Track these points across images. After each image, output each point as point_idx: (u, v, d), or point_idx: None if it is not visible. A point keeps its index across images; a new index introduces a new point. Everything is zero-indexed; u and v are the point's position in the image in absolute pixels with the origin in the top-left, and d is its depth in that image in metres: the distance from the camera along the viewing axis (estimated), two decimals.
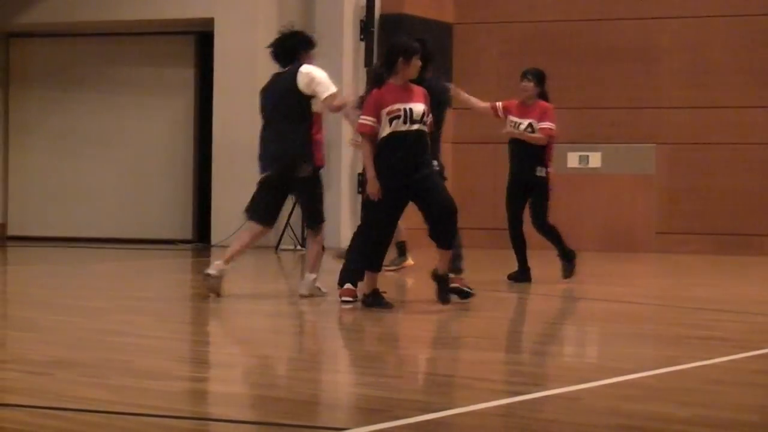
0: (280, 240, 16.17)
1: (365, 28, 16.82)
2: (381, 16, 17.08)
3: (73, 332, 7.36)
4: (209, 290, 8.96)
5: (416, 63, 8.57)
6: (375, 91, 8.62)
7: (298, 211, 16.13)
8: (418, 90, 8.62)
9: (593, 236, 17.12)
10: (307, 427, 4.58)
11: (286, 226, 16.07)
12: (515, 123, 10.80)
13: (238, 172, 16.18)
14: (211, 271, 9.00)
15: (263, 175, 9.27)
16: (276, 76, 9.45)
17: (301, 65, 9.25)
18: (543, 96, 10.90)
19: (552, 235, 10.82)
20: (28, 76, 18.70)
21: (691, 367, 6.09)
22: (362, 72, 16.80)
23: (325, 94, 9.05)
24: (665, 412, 4.91)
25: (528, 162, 10.72)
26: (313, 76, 9.18)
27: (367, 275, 8.61)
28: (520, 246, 10.81)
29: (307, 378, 5.91)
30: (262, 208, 9.26)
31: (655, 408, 5.04)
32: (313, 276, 9.25)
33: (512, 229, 10.85)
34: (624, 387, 5.50)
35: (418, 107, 8.50)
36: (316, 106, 9.16)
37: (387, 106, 8.47)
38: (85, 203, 17.78)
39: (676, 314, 9.01)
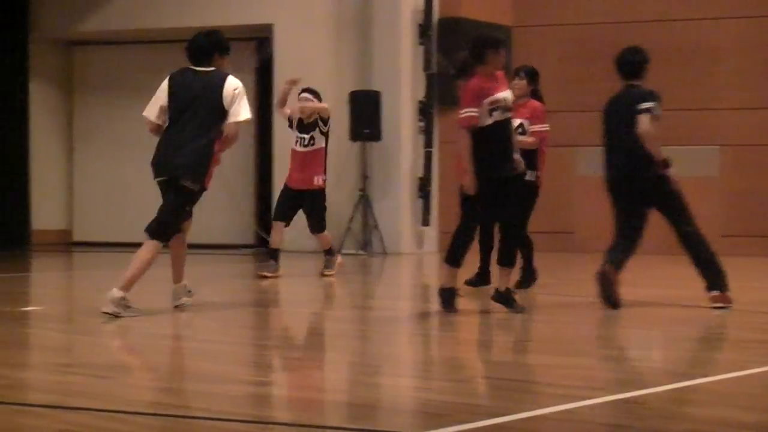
0: (341, 244, 16.19)
1: (423, 32, 16.81)
2: (439, 19, 17.07)
3: (137, 337, 7.41)
4: None
5: (503, 54, 8.58)
6: (474, 81, 8.55)
7: (358, 216, 16.20)
8: (503, 77, 8.66)
9: (657, 239, 16.95)
10: (368, 431, 4.58)
11: (347, 231, 16.10)
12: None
13: None
14: None
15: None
16: (191, 73, 8.80)
17: (226, 73, 8.79)
18: (535, 95, 10.61)
19: (526, 246, 10.39)
20: (91, 83, 18.90)
21: (757, 372, 6.02)
22: (421, 75, 16.80)
23: (243, 118, 8.52)
24: (730, 417, 4.86)
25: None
26: (241, 93, 8.65)
27: (446, 270, 8.58)
28: (487, 250, 10.26)
29: (369, 382, 5.90)
30: None
31: (720, 413, 4.99)
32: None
33: (485, 231, 10.17)
34: (689, 392, 5.45)
35: (509, 95, 8.58)
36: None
37: (489, 96, 8.46)
38: (149, 209, 17.77)
39: (742, 318, 8.91)
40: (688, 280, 10.85)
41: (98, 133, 18.72)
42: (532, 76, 10.61)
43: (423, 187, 16.64)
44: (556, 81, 17.44)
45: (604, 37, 17.34)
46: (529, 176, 10.11)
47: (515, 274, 9.35)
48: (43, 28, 18.49)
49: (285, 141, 17.07)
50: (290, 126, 12.12)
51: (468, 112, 8.47)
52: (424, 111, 16.77)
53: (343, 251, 16.09)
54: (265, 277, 11.47)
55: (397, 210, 16.62)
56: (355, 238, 16.21)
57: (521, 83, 10.42)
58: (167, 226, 8.57)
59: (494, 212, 8.62)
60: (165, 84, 8.54)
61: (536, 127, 10.42)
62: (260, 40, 17.79)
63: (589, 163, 16.87)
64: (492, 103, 8.48)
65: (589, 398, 5.17)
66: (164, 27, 17.71)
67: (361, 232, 16.21)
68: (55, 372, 6.05)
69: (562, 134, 17.46)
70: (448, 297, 8.54)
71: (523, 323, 8.59)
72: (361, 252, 16.06)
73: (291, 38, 16.90)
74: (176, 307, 8.55)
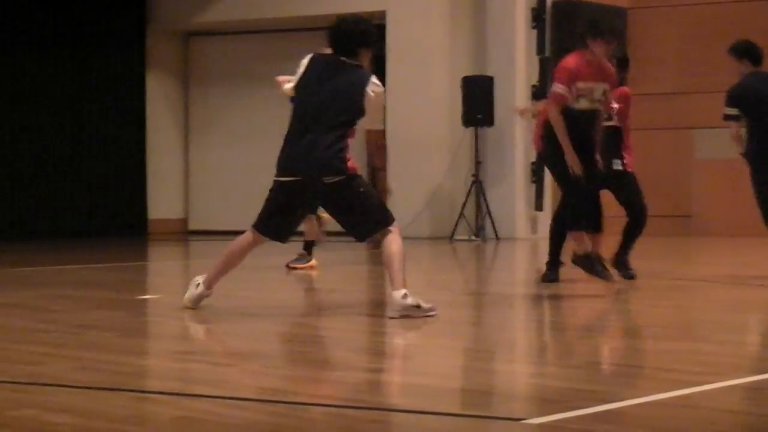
0: (454, 230, 16.20)
1: (537, 16, 16.69)
2: (553, 2, 16.93)
3: (255, 324, 7.50)
4: None
5: (605, 43, 8.52)
6: (570, 59, 8.52)
7: (471, 202, 16.17)
8: (608, 69, 8.58)
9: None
10: (484, 417, 4.58)
11: (460, 216, 16.09)
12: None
13: (414, 165, 16.27)
14: None
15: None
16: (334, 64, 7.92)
17: (369, 73, 7.81)
18: (623, 83, 9.80)
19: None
20: (208, 74, 19.15)
21: None
22: (535, 60, 16.69)
23: (380, 127, 8.25)
24: None
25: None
26: (382, 101, 8.10)
27: (575, 237, 8.54)
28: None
29: (483, 368, 5.90)
30: None
31: None
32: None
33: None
34: None
35: (602, 88, 8.53)
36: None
37: (578, 79, 8.42)
38: (262, 197, 18.07)
39: None
40: None
41: (214, 124, 18.97)
42: (622, 63, 9.96)
43: (536, 172, 16.54)
44: (674, 63, 17.22)
45: (723, 18, 17.04)
46: (615, 165, 9.64)
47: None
48: (159, 20, 18.79)
49: (398, 128, 17.18)
50: None
51: (558, 88, 8.40)
52: (537, 95, 16.66)
53: (456, 237, 16.09)
54: (295, 269, 11.02)
55: (511, 195, 16.56)
56: (468, 224, 16.19)
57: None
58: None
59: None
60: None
61: (616, 105, 9.50)
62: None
63: (707, 146, 16.57)
64: (579, 88, 8.38)
65: (707, 383, 5.10)
66: (280, 16, 17.86)
67: (474, 217, 16.19)
68: (175, 359, 6.15)
69: (680, 117, 17.17)
70: (586, 262, 8.47)
71: (636, 308, 8.50)
72: (474, 238, 16.04)
73: (404, 24, 16.91)
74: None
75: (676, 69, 16.97)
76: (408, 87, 16.37)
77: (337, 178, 7.54)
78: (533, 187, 16.66)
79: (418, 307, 7.45)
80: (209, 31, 19.02)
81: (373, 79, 7.76)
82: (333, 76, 7.79)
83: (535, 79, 16.65)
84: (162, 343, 7.03)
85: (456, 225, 16.14)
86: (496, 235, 16.18)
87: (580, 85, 8.38)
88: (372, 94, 7.70)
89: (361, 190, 7.65)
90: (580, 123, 8.43)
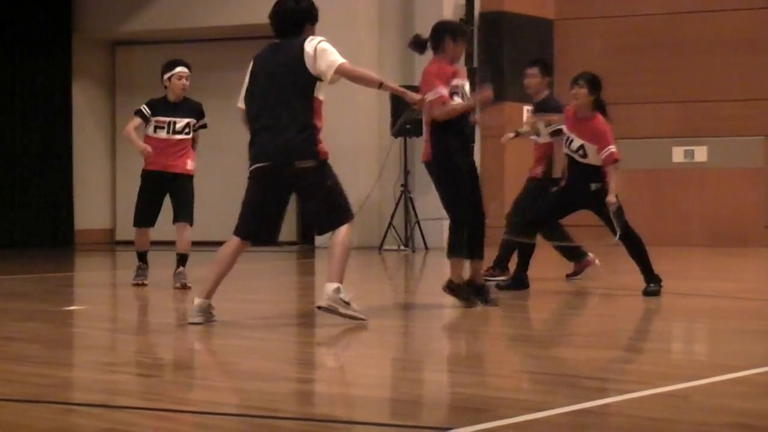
0: (383, 240, 16.22)
1: (465, 26, 16.77)
2: (480, 13, 17.04)
3: (181, 335, 7.46)
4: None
5: (462, 44, 8.57)
6: (435, 64, 8.57)
7: (400, 211, 16.21)
8: (461, 70, 8.67)
9: (701, 231, 16.90)
10: (411, 427, 4.59)
11: (389, 226, 16.12)
12: (568, 138, 9.51)
13: (342, 175, 16.24)
14: None
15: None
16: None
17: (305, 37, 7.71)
18: (599, 105, 9.45)
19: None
20: (134, 83, 19.02)
21: None
22: (462, 70, 16.75)
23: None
24: None
25: (582, 176, 9.48)
26: (330, 50, 7.75)
27: (453, 264, 8.56)
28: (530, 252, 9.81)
29: (411, 378, 5.91)
30: None
31: (766, 406, 4.96)
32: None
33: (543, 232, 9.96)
34: (734, 384, 5.42)
35: (467, 84, 8.58)
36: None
37: (452, 79, 8.47)
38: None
39: None
40: (733, 273, 10.79)
41: (141, 133, 18.83)
42: (593, 84, 9.45)
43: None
44: (599, 74, 17.37)
45: (647, 30, 17.26)
46: (594, 187, 9.37)
47: None
48: (85, 29, 18.64)
49: (326, 139, 17.15)
50: None
51: (438, 92, 8.40)
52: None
53: (385, 247, 16.11)
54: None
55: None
56: (397, 234, 16.21)
57: (581, 92, 9.41)
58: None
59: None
60: None
61: (605, 153, 9.25)
62: None
63: (629, 157, 16.80)
64: (454, 87, 8.43)
65: (630, 392, 5.16)
66: (207, 26, 17.81)
67: (403, 227, 16.22)
68: (101, 371, 6.10)
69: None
70: (460, 292, 8.51)
71: (564, 317, 8.57)
72: (403, 248, 16.07)
73: (331, 33, 16.78)
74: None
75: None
76: (336, 96, 16.23)
77: (308, 164, 7.47)
78: None
79: (347, 303, 7.45)
80: (136, 40, 18.90)
81: (310, 37, 7.60)
82: (273, 58, 7.64)
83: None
84: (88, 354, 6.96)
85: (385, 235, 16.17)
86: (425, 245, 16.23)
87: (453, 83, 8.48)
88: (310, 49, 7.52)
89: (329, 183, 7.60)
90: (461, 122, 8.53)
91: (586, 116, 9.43)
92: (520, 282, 9.69)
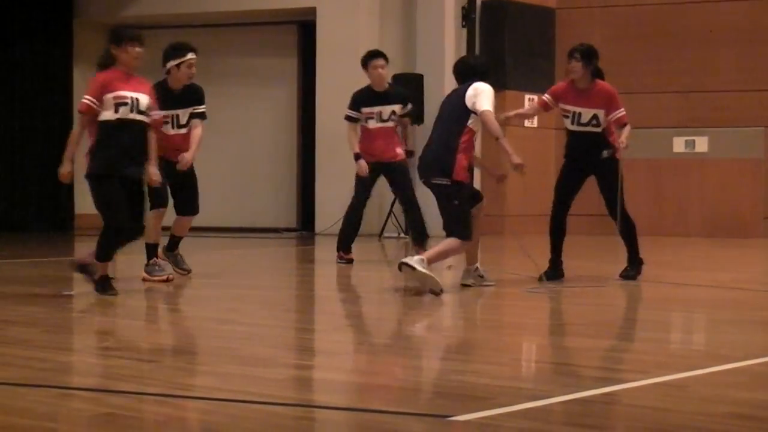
0: (383, 227, 16.21)
1: (467, 15, 16.76)
2: (483, 2, 17.02)
3: (181, 320, 7.46)
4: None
5: (135, 52, 8.62)
6: (103, 75, 8.54)
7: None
8: (142, 81, 8.58)
9: (700, 221, 16.90)
10: (411, 414, 4.59)
11: (389, 214, 16.11)
12: (574, 113, 9.58)
13: (339, 162, 16.26)
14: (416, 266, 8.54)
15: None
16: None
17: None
18: (599, 74, 9.64)
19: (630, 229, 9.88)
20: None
21: None
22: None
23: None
24: None
25: (591, 147, 9.60)
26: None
27: (99, 265, 8.45)
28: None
29: (410, 365, 5.91)
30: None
31: (764, 396, 4.96)
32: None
33: (556, 216, 9.98)
34: (732, 374, 5.42)
35: (145, 98, 8.49)
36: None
37: (114, 90, 8.41)
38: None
39: None
40: (732, 263, 10.79)
41: None
42: (588, 55, 9.58)
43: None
44: (601, 62, 17.36)
45: (648, 19, 17.24)
46: (606, 154, 9.54)
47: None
48: (86, 13, 18.62)
49: (327, 125, 17.14)
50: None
51: (86, 99, 8.49)
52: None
53: (385, 234, 16.11)
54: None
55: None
56: (397, 221, 16.21)
57: (577, 65, 9.56)
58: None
59: None
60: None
61: (617, 114, 9.49)
62: (303, 24, 17.80)
63: (631, 146, 16.84)
64: (118, 98, 8.40)
65: (630, 381, 5.16)
66: (206, 11, 17.79)
67: (403, 215, 16.19)
68: (99, 356, 6.10)
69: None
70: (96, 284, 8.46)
71: (563, 307, 8.58)
72: (402, 235, 16.07)
73: (333, 21, 16.90)
74: (463, 285, 9.18)
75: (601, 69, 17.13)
76: (337, 84, 16.36)
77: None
78: None
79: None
80: (136, 25, 18.83)
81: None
82: None
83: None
84: (85, 339, 6.96)
85: (385, 223, 16.16)
86: (426, 233, 16.21)
87: (114, 94, 8.43)
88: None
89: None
90: (123, 131, 8.41)
91: (587, 87, 9.55)
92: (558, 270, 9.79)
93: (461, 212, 8.99)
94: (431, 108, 16.31)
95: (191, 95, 9.97)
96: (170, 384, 5.19)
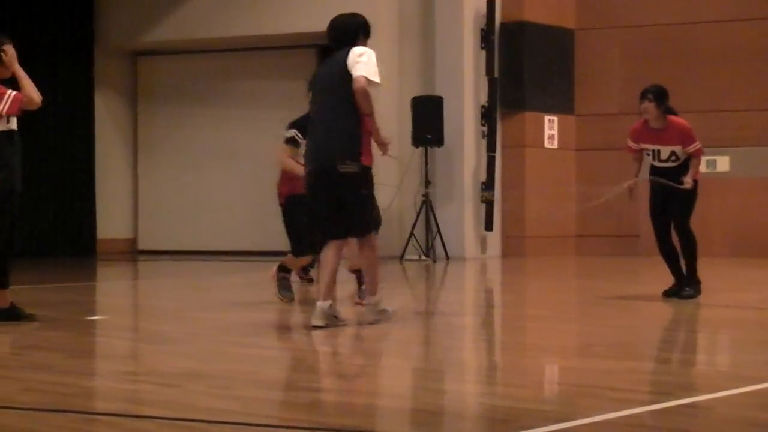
0: (404, 250, 16.21)
1: (485, 36, 16.78)
2: (501, 24, 17.04)
3: (202, 344, 7.47)
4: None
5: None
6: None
7: (421, 221, 16.20)
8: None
9: (722, 242, 16.83)
10: None
11: (410, 236, 16.11)
12: (654, 151, 9.82)
13: None
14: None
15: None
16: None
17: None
18: (670, 112, 9.84)
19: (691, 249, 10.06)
20: (155, 93, 19.09)
21: None
22: (483, 80, 16.78)
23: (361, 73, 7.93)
24: None
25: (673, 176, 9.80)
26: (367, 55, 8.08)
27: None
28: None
29: (433, 388, 5.90)
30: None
31: None
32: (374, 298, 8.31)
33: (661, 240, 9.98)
34: (757, 396, 5.39)
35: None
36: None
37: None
38: (211, 217, 18.06)
39: None
40: (755, 283, 10.72)
41: (162, 142, 18.90)
42: (660, 96, 9.71)
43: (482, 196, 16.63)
44: (618, 83, 17.36)
45: (667, 39, 17.23)
46: (686, 184, 9.73)
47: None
48: (108, 39, 18.72)
49: None
50: None
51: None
52: (487, 115, 16.75)
53: (406, 257, 16.11)
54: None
55: (460, 215, 16.61)
56: (418, 244, 16.21)
57: (649, 106, 9.68)
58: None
59: None
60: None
61: (692, 148, 9.74)
62: (322, 48, 17.85)
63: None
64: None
65: (655, 403, 5.13)
66: (227, 36, 17.86)
67: (424, 237, 16.21)
68: (122, 380, 6.11)
69: (626, 137, 17.40)
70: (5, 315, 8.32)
71: (583, 327, 8.55)
72: (423, 258, 16.07)
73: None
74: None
75: (619, 89, 17.12)
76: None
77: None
78: (483, 207, 16.72)
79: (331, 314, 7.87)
80: (157, 50, 18.96)
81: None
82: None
83: (484, 99, 16.75)
84: (109, 363, 6.97)
85: (406, 245, 16.16)
86: (446, 255, 16.22)
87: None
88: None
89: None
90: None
91: (662, 126, 9.73)
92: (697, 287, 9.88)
93: (370, 202, 8.07)
94: (451, 130, 16.37)
95: None
96: (193, 408, 5.19)
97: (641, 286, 10.34)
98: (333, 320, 7.96)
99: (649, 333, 8.40)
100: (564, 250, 17.28)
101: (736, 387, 5.56)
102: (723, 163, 16.92)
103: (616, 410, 4.94)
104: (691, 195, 9.83)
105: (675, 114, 9.85)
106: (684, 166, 9.76)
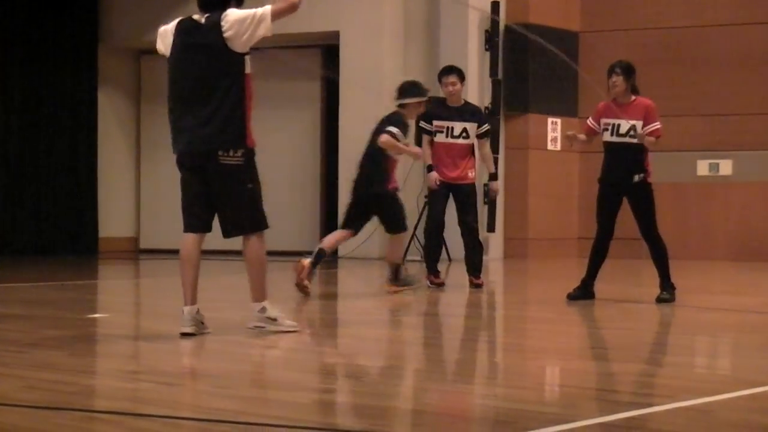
0: (406, 250, 16.19)
1: (490, 39, 16.78)
2: (506, 26, 17.04)
3: (203, 343, 7.46)
4: None
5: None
6: None
7: (423, 222, 16.17)
8: None
9: (725, 245, 16.83)
10: None
11: (412, 237, 16.10)
12: (614, 125, 9.84)
13: None
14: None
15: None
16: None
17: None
18: (635, 91, 9.95)
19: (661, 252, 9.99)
20: (159, 92, 19.02)
21: None
22: (488, 82, 16.78)
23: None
24: None
25: (626, 168, 9.82)
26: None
27: None
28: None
29: (433, 389, 5.90)
30: None
31: None
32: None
33: (600, 240, 9.94)
34: (758, 399, 5.39)
35: None
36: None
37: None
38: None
39: None
40: (757, 287, 10.70)
41: (165, 141, 18.78)
42: (628, 71, 9.95)
43: (488, 193, 16.61)
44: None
45: (672, 42, 17.22)
46: (638, 178, 9.83)
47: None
48: (111, 38, 18.73)
49: (350, 149, 17.16)
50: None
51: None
52: (490, 117, 16.74)
53: (408, 258, 16.10)
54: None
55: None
56: (420, 245, 16.18)
57: (618, 80, 9.91)
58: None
59: None
60: None
61: (653, 126, 9.84)
62: (327, 48, 17.84)
63: (658, 170, 16.86)
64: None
65: (656, 405, 5.13)
66: None
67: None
68: (124, 379, 6.11)
69: None
70: None
71: (585, 330, 8.55)
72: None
73: (357, 46, 16.95)
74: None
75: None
76: (361, 108, 16.40)
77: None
78: (485, 208, 16.71)
79: (274, 320, 7.57)
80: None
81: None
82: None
83: (488, 101, 16.74)
84: (110, 362, 6.97)
85: (408, 245, 16.14)
86: (448, 256, 16.20)
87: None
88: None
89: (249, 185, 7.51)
90: None
91: (627, 101, 9.86)
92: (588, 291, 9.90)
93: (257, 195, 7.73)
94: None
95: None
96: (195, 408, 5.20)
97: (643, 288, 10.34)
98: (201, 326, 7.59)
99: (650, 336, 8.39)
100: (566, 252, 17.28)
101: (738, 390, 5.56)
102: (726, 167, 16.92)
103: (617, 412, 4.94)
104: (647, 197, 9.89)
105: (638, 93, 9.98)
106: (638, 151, 9.77)
